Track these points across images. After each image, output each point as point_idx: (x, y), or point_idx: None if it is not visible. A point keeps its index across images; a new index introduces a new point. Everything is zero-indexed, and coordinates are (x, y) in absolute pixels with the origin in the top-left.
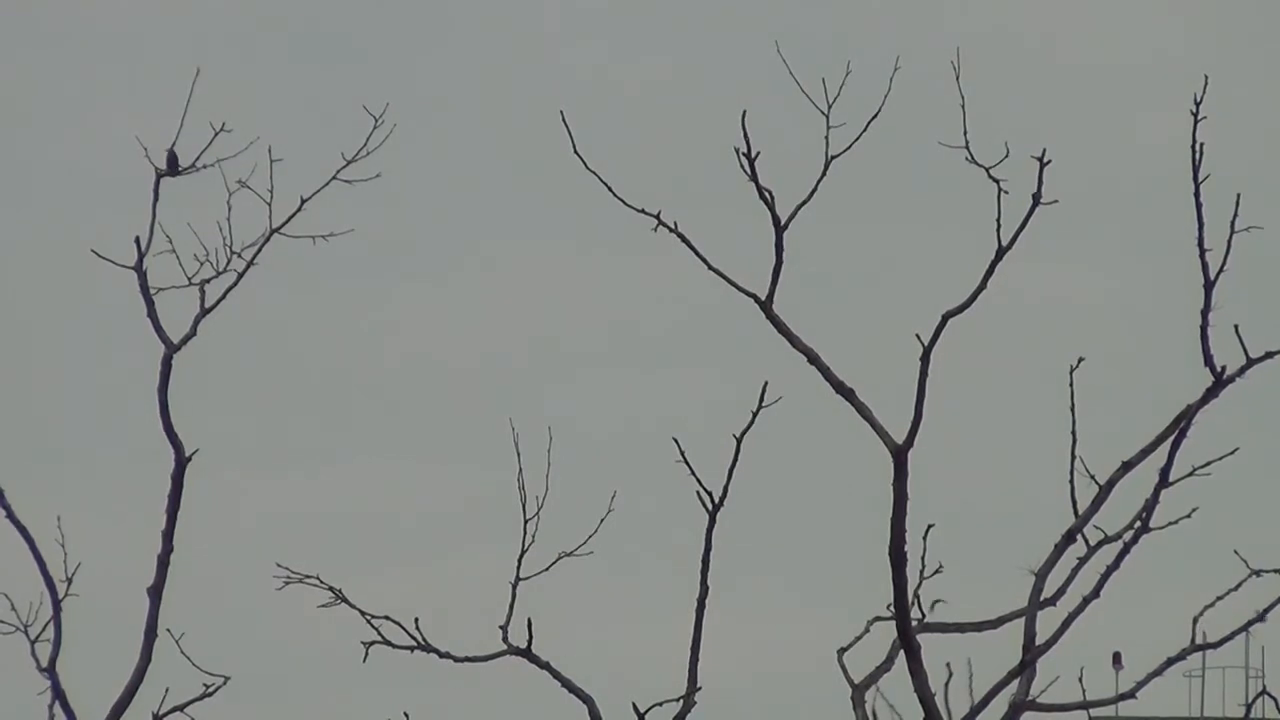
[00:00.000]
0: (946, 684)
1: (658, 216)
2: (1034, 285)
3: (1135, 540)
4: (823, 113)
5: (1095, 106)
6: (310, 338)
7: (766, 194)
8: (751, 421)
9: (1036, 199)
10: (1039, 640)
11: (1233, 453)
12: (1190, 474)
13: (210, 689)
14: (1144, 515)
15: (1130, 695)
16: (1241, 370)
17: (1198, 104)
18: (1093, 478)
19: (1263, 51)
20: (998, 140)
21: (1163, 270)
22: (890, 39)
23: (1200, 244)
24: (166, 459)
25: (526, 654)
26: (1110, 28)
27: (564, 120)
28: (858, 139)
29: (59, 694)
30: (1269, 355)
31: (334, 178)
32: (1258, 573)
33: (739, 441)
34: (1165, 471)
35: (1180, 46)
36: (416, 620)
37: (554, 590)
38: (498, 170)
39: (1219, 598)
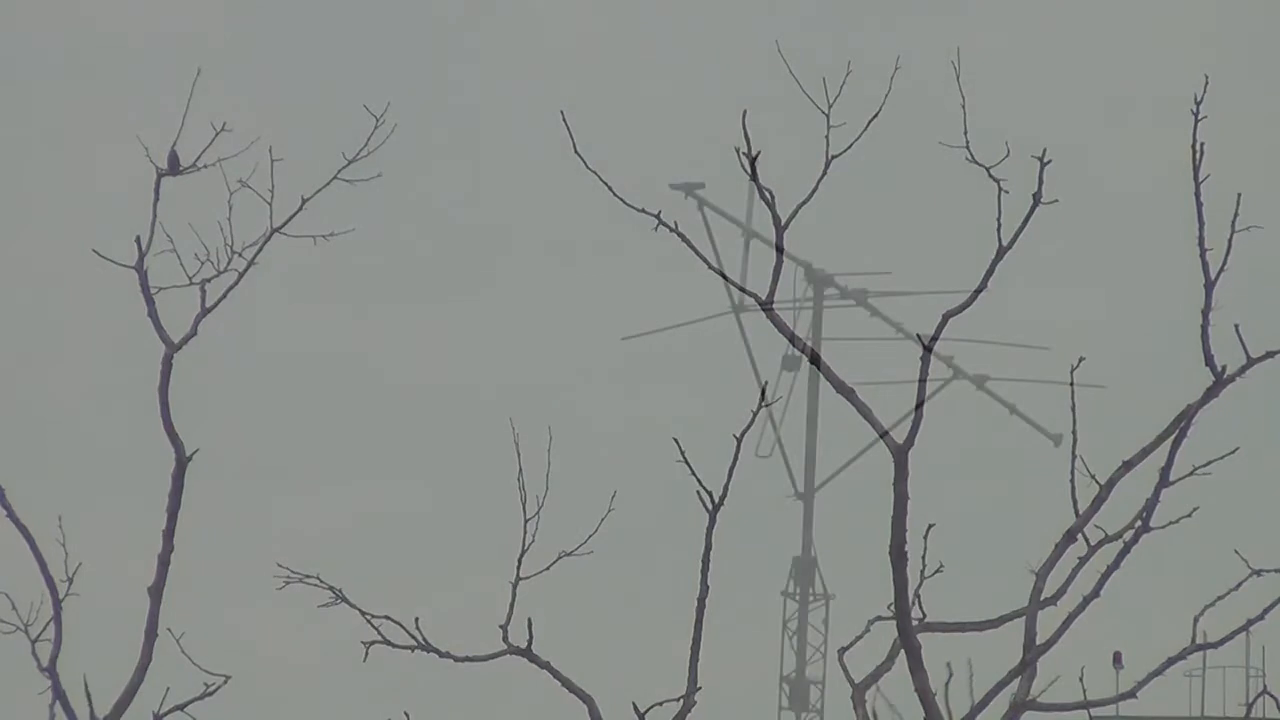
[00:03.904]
0: (946, 684)
1: (658, 216)
2: (1035, 289)
3: (1135, 540)
4: (823, 112)
5: (1095, 118)
6: (310, 340)
7: (767, 194)
8: (751, 421)
9: (1037, 199)
10: (1039, 640)
11: (1233, 453)
12: (1190, 474)
13: (210, 689)
14: (1144, 515)
15: (1130, 695)
16: (1241, 370)
17: (1198, 104)
18: (1093, 477)
19: (1263, 58)
20: (998, 142)
21: (1163, 273)
22: (891, 39)
23: (1200, 244)
24: (166, 459)
25: (526, 654)
26: (1106, 42)
27: (564, 120)
28: (858, 139)
29: (59, 694)
30: (1269, 355)
31: (334, 178)
32: (1258, 573)
33: (739, 441)
34: (1165, 471)
35: (1180, 64)
36: (417, 620)
37: (554, 590)
38: (495, 172)
39: (1219, 598)
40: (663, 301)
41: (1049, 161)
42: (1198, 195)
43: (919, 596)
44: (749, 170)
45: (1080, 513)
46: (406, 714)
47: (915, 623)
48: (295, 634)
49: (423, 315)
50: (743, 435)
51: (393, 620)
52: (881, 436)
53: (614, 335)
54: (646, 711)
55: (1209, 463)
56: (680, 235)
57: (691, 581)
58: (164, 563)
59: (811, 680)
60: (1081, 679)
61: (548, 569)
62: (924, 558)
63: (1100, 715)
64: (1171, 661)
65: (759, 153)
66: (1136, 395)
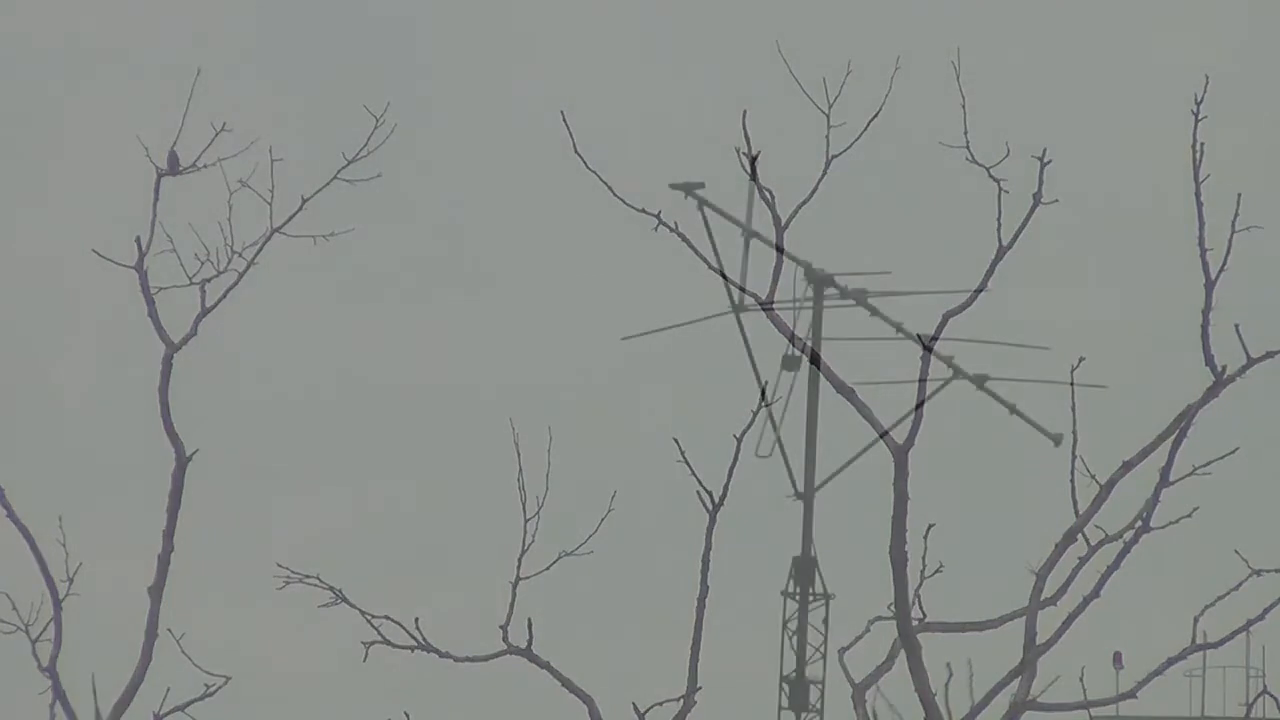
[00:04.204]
0: (946, 684)
1: (658, 216)
2: (1035, 289)
3: (1135, 540)
4: (823, 112)
5: (1095, 118)
6: (311, 340)
7: (767, 194)
8: (751, 421)
9: (1037, 199)
10: (1039, 640)
11: (1233, 453)
12: (1190, 474)
13: (210, 689)
14: (1144, 515)
15: (1130, 695)
16: (1241, 370)
17: (1198, 104)
18: (1093, 477)
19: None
20: (998, 142)
21: (1164, 273)
22: (891, 39)
23: (1201, 243)
24: (166, 459)
25: (526, 654)
26: (1106, 41)
27: (564, 120)
28: (858, 139)
29: (59, 694)
30: (1269, 355)
31: (334, 178)
32: (1258, 573)
33: (739, 441)
34: (1165, 471)
35: (1180, 64)
36: (417, 620)
37: (554, 590)
38: (495, 171)
39: (1219, 598)
40: (663, 301)
41: (1049, 161)
42: (1198, 195)
43: (919, 596)
44: (749, 170)
45: (1080, 513)
46: (406, 714)
47: (915, 623)
48: (295, 634)
49: (423, 315)
50: (743, 435)
51: (393, 620)
52: (881, 436)
53: (614, 335)
54: (646, 711)
55: (1209, 463)
56: (680, 235)
57: (691, 581)
58: (164, 563)
59: (811, 680)
60: (1081, 679)
61: (548, 569)
62: (924, 558)
63: (1100, 715)
64: (1171, 661)
65: (759, 153)
66: (1136, 395)
